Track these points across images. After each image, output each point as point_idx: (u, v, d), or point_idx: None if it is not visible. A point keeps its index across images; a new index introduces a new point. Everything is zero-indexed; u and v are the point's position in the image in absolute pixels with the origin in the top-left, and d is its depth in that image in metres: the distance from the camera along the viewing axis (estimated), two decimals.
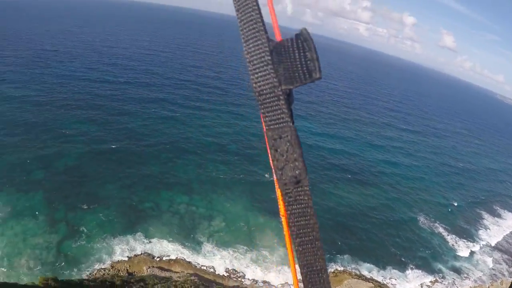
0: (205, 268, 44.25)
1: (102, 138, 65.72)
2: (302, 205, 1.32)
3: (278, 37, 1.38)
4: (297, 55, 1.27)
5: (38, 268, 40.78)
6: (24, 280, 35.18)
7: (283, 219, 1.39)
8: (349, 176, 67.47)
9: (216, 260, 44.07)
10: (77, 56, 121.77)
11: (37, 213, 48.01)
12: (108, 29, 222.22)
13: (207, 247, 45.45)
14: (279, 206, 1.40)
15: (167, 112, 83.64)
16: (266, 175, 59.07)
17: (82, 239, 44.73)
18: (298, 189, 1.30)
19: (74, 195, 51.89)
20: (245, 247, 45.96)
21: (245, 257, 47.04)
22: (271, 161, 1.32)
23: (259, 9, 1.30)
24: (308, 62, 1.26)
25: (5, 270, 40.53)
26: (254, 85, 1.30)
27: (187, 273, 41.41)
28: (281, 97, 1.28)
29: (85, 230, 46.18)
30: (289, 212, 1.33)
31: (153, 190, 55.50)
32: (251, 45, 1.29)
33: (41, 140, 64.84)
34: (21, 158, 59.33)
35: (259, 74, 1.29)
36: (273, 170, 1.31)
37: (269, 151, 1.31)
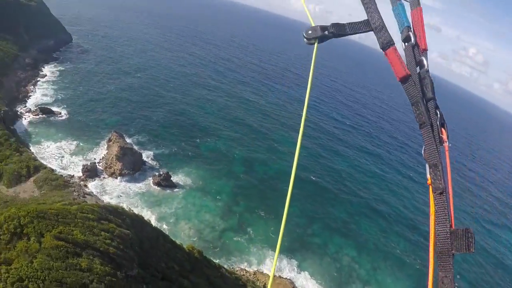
0: None
1: (306, 167, 67.55)
2: None
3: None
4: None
5: (194, 238, 47.35)
6: (177, 240, 40.47)
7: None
8: None
9: None
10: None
11: (219, 197, 56.65)
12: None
13: None
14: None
15: (378, 170, 74.47)
16: None
17: (244, 237, 49.94)
18: None
19: (258, 200, 56.49)
20: None
21: None
22: None
23: None
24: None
25: (169, 227, 48.37)
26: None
27: None
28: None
29: (251, 232, 51.39)
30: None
31: (328, 230, 54.33)
32: None
33: (257, 145, 74.18)
34: (236, 150, 69.84)
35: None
36: None
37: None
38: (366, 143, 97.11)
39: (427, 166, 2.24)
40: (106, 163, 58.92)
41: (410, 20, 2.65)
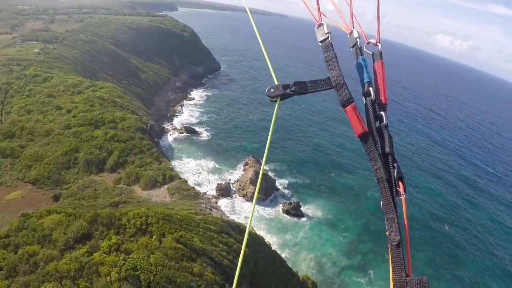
0: None
1: (441, 215, 66.49)
2: None
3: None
4: None
5: (313, 270, 46.50)
6: (294, 268, 41.48)
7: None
8: None
9: None
10: None
11: (346, 234, 54.70)
12: None
13: None
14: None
15: None
16: None
17: (364, 279, 47.40)
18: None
19: (385, 244, 45.01)
20: None
21: None
22: None
23: None
24: None
25: (290, 255, 48.32)
26: None
27: None
28: None
29: (372, 275, 48.23)
30: None
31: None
32: None
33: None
34: (370, 191, 67.87)
35: None
36: None
37: None
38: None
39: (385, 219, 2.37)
40: (239, 185, 60.00)
41: (371, 74, 2.72)
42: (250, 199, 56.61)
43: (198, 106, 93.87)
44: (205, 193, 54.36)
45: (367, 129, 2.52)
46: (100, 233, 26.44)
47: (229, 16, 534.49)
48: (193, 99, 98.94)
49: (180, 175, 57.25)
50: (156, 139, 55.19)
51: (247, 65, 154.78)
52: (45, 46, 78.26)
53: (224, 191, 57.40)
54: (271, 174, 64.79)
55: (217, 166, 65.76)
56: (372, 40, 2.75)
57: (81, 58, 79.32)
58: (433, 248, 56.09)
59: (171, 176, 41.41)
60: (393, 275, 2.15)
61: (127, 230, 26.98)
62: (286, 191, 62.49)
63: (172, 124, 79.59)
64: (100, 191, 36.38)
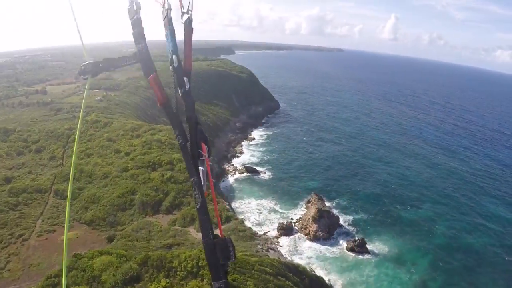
0: None
1: None
2: None
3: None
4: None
5: None
6: None
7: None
8: None
9: None
10: None
11: (414, 270, 51.74)
12: None
13: None
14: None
15: None
16: None
17: None
18: None
19: (459, 278, 50.31)
20: None
21: None
22: None
23: None
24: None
25: None
26: None
27: None
28: None
29: None
30: None
31: None
32: None
33: (462, 221, 67.51)
34: (437, 224, 64.71)
35: None
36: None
37: None
38: None
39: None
40: (302, 224, 59.27)
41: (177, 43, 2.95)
42: (313, 238, 55.35)
43: (259, 146, 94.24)
44: (266, 233, 55.14)
45: (166, 99, 2.82)
46: (149, 275, 25.97)
47: (285, 55, 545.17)
48: (254, 139, 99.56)
49: (241, 215, 58.70)
50: (214, 180, 54.73)
51: (304, 102, 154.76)
52: (107, 93, 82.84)
53: (286, 230, 56.98)
54: (334, 211, 63.12)
55: (278, 205, 65.09)
56: (184, 10, 2.92)
57: (141, 104, 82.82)
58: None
59: (228, 217, 40.40)
60: (202, 239, 2.40)
61: (178, 273, 26.34)
62: (350, 228, 60.51)
63: (233, 165, 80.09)
64: (154, 232, 36.09)
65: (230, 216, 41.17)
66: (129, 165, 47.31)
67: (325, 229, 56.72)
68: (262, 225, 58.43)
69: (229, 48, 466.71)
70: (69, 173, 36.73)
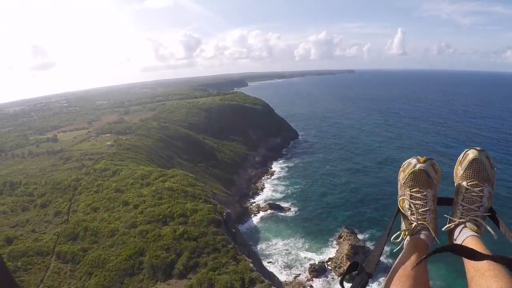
0: None
1: None
2: None
3: None
4: None
5: None
6: None
7: None
8: None
9: None
10: None
11: None
12: None
13: None
14: None
15: None
16: None
17: None
18: None
19: None
20: None
21: None
22: None
23: None
24: None
25: None
26: None
27: None
28: None
29: None
30: None
31: None
32: None
33: None
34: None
35: None
36: None
37: None
38: None
39: None
40: (335, 262, 53.69)
41: None
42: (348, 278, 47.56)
43: (281, 179, 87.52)
44: (297, 276, 51.04)
45: None
46: None
47: (298, 82, 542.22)
48: (274, 172, 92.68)
49: (268, 258, 54.38)
50: (233, 230, 47.64)
51: (323, 129, 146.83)
52: (118, 138, 78.32)
53: (318, 271, 51.75)
54: (369, 244, 56.90)
55: (307, 243, 58.94)
56: None
57: (154, 146, 77.78)
58: None
59: (252, 279, 33.59)
60: None
61: None
62: (388, 261, 52.00)
63: (255, 203, 73.84)
64: None
65: (255, 278, 34.37)
66: (137, 219, 40.99)
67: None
68: (292, 268, 53.09)
69: (242, 80, 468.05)
70: (74, 231, 31.06)
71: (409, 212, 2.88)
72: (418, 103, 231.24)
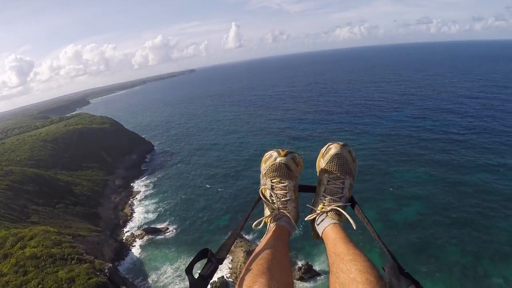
0: None
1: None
2: None
3: None
4: None
5: None
6: None
7: None
8: None
9: None
10: None
11: None
12: None
13: None
14: None
15: None
16: None
17: None
18: None
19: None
20: None
21: None
22: None
23: None
24: None
25: None
26: None
27: None
28: None
29: None
30: None
31: (502, 261, 42.87)
32: None
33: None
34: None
35: None
36: None
37: None
38: None
39: None
40: (235, 273, 49.08)
41: None
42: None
43: (149, 198, 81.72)
44: None
45: None
46: None
47: (141, 90, 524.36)
48: (140, 191, 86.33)
49: None
50: (124, 287, 42.55)
51: (177, 132, 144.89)
52: None
53: (221, 287, 46.87)
54: (259, 243, 55.52)
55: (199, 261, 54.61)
56: None
57: (2, 198, 65.09)
58: None
59: None
60: None
61: None
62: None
63: (129, 232, 66.87)
64: None
65: None
66: None
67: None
68: None
69: (83, 98, 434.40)
70: None
71: (270, 201, 2.94)
72: (256, 91, 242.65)
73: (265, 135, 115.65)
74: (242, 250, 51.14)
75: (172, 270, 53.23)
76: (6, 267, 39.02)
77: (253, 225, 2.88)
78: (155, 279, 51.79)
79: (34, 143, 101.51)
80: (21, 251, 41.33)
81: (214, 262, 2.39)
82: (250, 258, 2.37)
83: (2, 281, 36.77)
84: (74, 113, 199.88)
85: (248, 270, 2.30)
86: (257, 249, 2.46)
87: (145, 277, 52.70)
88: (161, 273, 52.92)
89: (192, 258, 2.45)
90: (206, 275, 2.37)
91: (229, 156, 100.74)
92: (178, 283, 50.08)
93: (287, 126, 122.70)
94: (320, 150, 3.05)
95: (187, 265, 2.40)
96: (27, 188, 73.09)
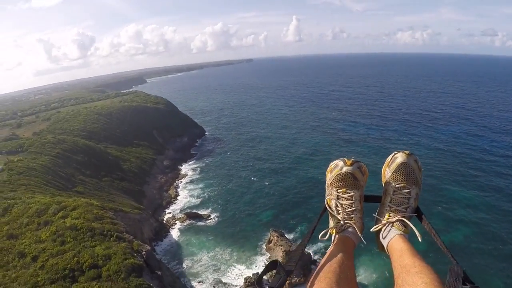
0: None
1: None
2: None
3: None
4: None
5: None
6: None
7: None
8: None
9: None
10: None
11: None
12: None
13: None
14: None
15: None
16: None
17: None
18: None
19: None
20: None
21: None
22: None
23: None
24: None
25: None
26: None
27: None
28: None
29: None
30: None
31: None
32: None
33: None
34: None
35: None
36: None
37: None
38: None
39: None
40: (271, 272, 43.35)
41: None
42: (290, 287, 43.60)
43: (194, 182, 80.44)
44: None
45: None
46: None
47: (198, 75, 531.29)
48: (186, 175, 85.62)
49: (196, 277, 47.15)
50: (159, 272, 39.77)
51: (229, 121, 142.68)
52: (9, 160, 65.03)
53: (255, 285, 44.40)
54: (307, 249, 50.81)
55: (235, 253, 52.36)
56: None
57: (51, 165, 65.99)
58: None
59: None
60: None
61: None
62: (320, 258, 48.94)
63: (171, 213, 66.12)
64: None
65: None
66: (39, 278, 31.20)
67: (300, 272, 45.60)
68: (226, 284, 45.99)
69: (140, 77, 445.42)
70: None
71: (336, 211, 2.85)
72: (312, 88, 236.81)
73: (317, 135, 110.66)
74: (281, 249, 48.93)
75: (207, 258, 51.60)
76: (45, 234, 37.95)
77: (319, 236, 2.71)
78: (190, 264, 50.46)
79: (88, 115, 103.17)
80: (62, 221, 40.23)
81: (283, 274, 2.30)
82: (316, 269, 2.35)
83: (39, 248, 35.62)
84: (130, 90, 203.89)
85: (317, 284, 2.23)
86: (322, 261, 2.41)
87: (180, 261, 51.53)
88: (196, 260, 51.40)
89: (262, 270, 2.41)
90: (276, 287, 2.23)
91: (279, 152, 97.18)
92: (211, 272, 48.34)
93: (341, 127, 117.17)
94: (386, 159, 2.91)
95: (257, 277, 2.41)
96: (76, 158, 73.62)
